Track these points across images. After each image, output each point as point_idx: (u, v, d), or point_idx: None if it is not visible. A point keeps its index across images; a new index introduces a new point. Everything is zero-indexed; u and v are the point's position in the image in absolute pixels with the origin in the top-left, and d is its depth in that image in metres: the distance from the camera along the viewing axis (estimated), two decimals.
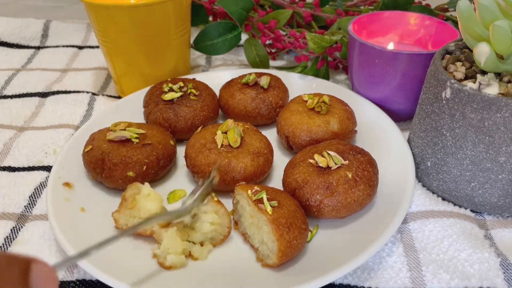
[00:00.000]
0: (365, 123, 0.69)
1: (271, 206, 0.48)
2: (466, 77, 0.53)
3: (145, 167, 0.57)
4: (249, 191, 0.50)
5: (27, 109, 0.79)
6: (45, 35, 1.06)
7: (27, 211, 0.59)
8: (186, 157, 0.60)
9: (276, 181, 0.62)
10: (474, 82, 0.51)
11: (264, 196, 0.49)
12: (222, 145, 0.58)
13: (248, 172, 0.56)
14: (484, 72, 0.53)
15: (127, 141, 0.59)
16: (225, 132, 0.59)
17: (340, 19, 0.84)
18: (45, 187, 0.63)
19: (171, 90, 0.69)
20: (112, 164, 0.56)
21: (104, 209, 0.56)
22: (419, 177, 0.61)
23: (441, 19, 0.74)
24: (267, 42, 0.87)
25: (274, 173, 0.63)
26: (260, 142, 0.60)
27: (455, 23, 0.83)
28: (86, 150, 0.59)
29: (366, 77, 0.70)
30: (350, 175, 0.52)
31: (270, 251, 0.48)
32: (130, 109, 0.73)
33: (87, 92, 0.83)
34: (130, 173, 0.57)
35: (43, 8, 1.25)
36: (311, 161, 0.55)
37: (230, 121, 0.60)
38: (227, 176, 0.56)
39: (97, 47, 1.02)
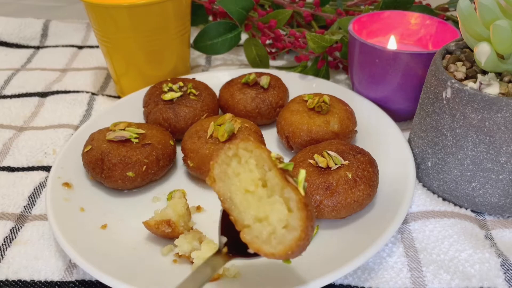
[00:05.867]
0: (365, 123, 0.68)
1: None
2: (467, 77, 0.53)
3: (144, 167, 0.57)
4: (273, 153, 0.38)
5: (27, 109, 0.79)
6: (44, 34, 1.06)
7: (27, 211, 0.59)
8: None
9: None
10: (475, 82, 0.51)
11: (303, 173, 0.37)
12: (211, 136, 0.59)
13: None
14: (484, 72, 0.53)
15: (127, 141, 0.59)
16: (220, 125, 0.59)
17: (340, 18, 0.84)
18: (44, 187, 0.62)
19: (170, 90, 0.69)
20: (111, 164, 0.56)
21: (103, 209, 0.56)
22: (419, 177, 0.61)
23: (442, 19, 0.74)
24: (267, 41, 0.86)
25: None
26: None
27: (456, 22, 0.83)
28: (85, 150, 0.59)
29: (367, 77, 0.70)
30: (350, 175, 0.52)
31: (275, 238, 0.37)
32: (130, 109, 0.72)
33: (87, 92, 0.83)
34: (130, 173, 0.57)
35: (42, 7, 1.25)
36: (311, 161, 0.54)
37: (228, 116, 0.60)
38: (205, 167, 0.57)
39: (97, 47, 1.02)
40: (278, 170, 0.37)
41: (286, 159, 0.63)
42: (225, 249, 0.40)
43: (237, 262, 0.48)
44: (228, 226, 0.40)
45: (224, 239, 0.41)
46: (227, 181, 0.40)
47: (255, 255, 0.39)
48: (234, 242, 0.40)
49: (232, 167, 0.40)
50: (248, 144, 0.39)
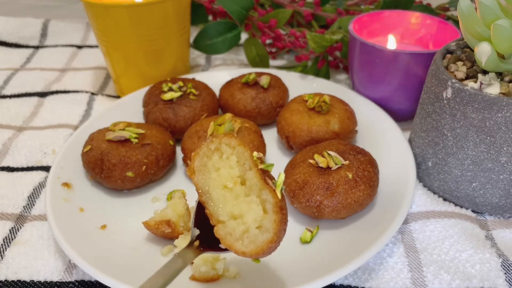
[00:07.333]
0: (365, 123, 0.68)
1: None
2: (467, 77, 0.53)
3: (144, 167, 0.57)
4: (254, 153, 0.39)
5: (26, 109, 0.79)
6: (44, 34, 1.06)
7: (26, 212, 0.58)
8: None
9: None
10: (475, 82, 0.51)
11: (282, 176, 0.38)
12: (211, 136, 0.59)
13: None
14: (485, 72, 0.53)
15: (126, 141, 0.58)
16: (220, 125, 0.59)
17: (341, 18, 0.84)
18: (44, 187, 0.62)
19: (170, 89, 0.69)
20: (111, 164, 0.56)
21: (103, 210, 0.56)
22: (420, 177, 0.61)
23: (442, 19, 0.74)
24: (267, 41, 0.86)
25: (274, 173, 0.63)
26: (250, 142, 0.60)
27: (456, 22, 0.83)
28: (85, 150, 0.59)
29: (367, 76, 0.69)
30: (350, 176, 0.52)
31: (248, 237, 0.37)
32: (130, 109, 0.72)
33: (86, 92, 0.83)
34: (129, 173, 0.56)
35: (42, 7, 1.24)
36: (311, 161, 0.54)
37: (228, 115, 0.60)
38: None
39: (96, 46, 1.02)
40: (258, 170, 0.38)
41: (286, 159, 0.63)
42: (196, 242, 0.40)
43: (237, 263, 0.48)
44: (202, 219, 0.41)
45: (197, 232, 0.42)
46: (206, 174, 0.40)
47: (226, 250, 0.39)
48: (206, 236, 0.41)
49: (213, 161, 0.40)
50: (231, 140, 0.40)
